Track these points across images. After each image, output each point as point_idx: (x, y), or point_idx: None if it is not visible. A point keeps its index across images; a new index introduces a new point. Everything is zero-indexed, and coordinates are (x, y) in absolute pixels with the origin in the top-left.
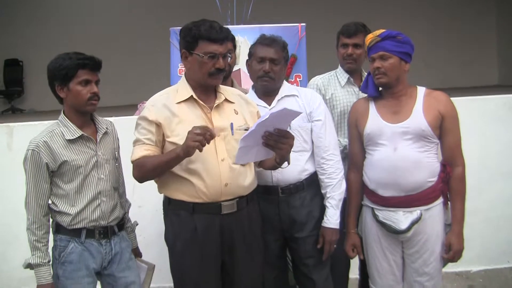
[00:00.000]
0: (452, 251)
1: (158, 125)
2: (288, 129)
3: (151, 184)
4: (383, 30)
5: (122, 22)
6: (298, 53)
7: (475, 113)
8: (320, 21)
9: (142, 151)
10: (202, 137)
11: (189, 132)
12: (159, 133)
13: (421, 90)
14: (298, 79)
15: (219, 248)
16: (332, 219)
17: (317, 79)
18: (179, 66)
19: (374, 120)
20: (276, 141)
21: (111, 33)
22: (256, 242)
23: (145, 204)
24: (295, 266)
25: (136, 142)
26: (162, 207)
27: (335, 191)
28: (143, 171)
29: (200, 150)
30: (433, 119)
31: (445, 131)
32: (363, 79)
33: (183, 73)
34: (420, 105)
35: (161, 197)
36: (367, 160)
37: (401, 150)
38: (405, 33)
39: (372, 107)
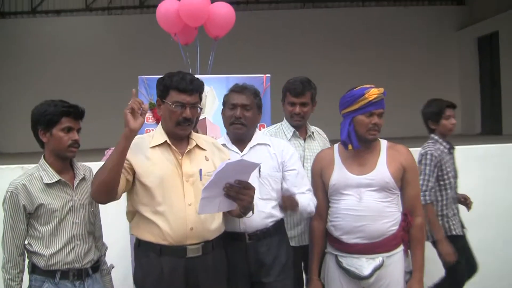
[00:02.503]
0: None
1: (129, 162)
2: (258, 179)
3: (117, 229)
4: (382, 88)
5: (93, 69)
6: (262, 103)
7: None
8: (283, 72)
9: None
10: (131, 104)
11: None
12: (129, 163)
13: (383, 143)
14: (262, 129)
15: None
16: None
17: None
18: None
19: (340, 172)
20: (237, 192)
21: (81, 80)
22: (220, 287)
23: (110, 248)
24: None
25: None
26: (125, 252)
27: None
28: (98, 180)
29: (133, 115)
30: (396, 171)
31: (406, 183)
32: (308, 131)
33: (150, 120)
34: (384, 158)
35: (125, 242)
36: (332, 209)
37: (366, 200)
38: (368, 83)
39: (337, 158)
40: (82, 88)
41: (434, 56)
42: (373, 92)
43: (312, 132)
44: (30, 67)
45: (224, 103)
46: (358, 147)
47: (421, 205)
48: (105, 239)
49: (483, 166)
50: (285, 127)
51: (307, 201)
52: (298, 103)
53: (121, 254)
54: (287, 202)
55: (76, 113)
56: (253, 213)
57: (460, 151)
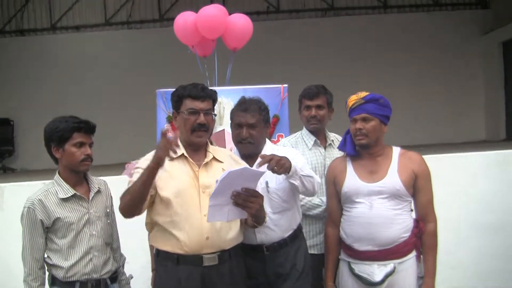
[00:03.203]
0: None
1: None
2: (260, 189)
3: (139, 242)
4: (367, 93)
5: (112, 84)
6: (280, 113)
7: (456, 169)
8: (304, 82)
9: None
10: (164, 145)
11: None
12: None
13: (396, 150)
14: (280, 139)
15: None
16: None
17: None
18: (165, 126)
19: (352, 179)
20: (244, 200)
21: (101, 95)
22: None
23: (133, 261)
24: None
25: (128, 184)
26: (148, 264)
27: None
28: (124, 201)
29: (168, 156)
30: (407, 178)
31: (418, 189)
32: (328, 140)
33: (169, 133)
34: (395, 165)
35: (147, 254)
36: (344, 217)
37: (376, 208)
38: (393, 90)
39: (349, 166)
40: (102, 103)
41: (459, 61)
42: (351, 99)
43: (332, 141)
44: (50, 84)
45: (231, 119)
46: (351, 153)
47: (433, 211)
48: (128, 250)
49: (504, 172)
50: (305, 136)
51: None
52: (313, 106)
53: (144, 265)
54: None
55: (87, 128)
56: (265, 222)
57: (482, 156)
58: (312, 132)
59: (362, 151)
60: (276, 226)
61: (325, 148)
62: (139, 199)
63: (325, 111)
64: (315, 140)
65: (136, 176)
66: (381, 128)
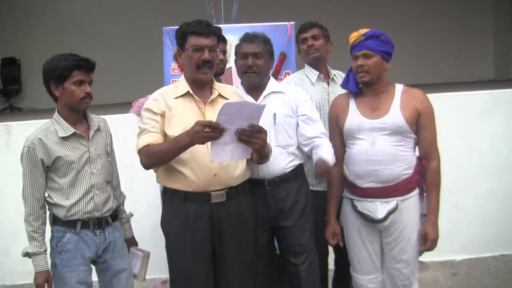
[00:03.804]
0: (428, 240)
1: (162, 115)
2: (267, 120)
3: (146, 181)
4: (367, 30)
5: (117, 21)
6: (287, 51)
7: (462, 108)
8: (308, 19)
9: (148, 139)
10: (210, 133)
11: (196, 129)
12: (163, 123)
13: (399, 87)
14: (287, 76)
15: (209, 236)
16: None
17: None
18: (172, 64)
19: (354, 116)
20: (248, 136)
21: (107, 33)
22: (246, 232)
23: (140, 199)
24: (282, 254)
25: (141, 132)
26: (154, 202)
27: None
28: (152, 158)
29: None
30: (409, 115)
31: (421, 127)
32: (330, 75)
33: (176, 71)
34: (398, 102)
35: (154, 192)
36: (347, 154)
37: (378, 144)
38: (398, 29)
39: (352, 103)
40: (108, 41)
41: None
42: (352, 36)
43: (334, 75)
44: (55, 22)
45: (236, 53)
46: (354, 90)
47: (437, 149)
48: (134, 191)
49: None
50: (308, 71)
51: (330, 151)
52: (309, 37)
53: (150, 205)
54: (322, 172)
55: (87, 66)
56: (269, 157)
57: (489, 95)
58: (314, 66)
59: (365, 88)
60: (278, 159)
61: (328, 83)
62: (168, 161)
63: (322, 41)
64: (318, 75)
65: (146, 123)
66: (383, 64)
